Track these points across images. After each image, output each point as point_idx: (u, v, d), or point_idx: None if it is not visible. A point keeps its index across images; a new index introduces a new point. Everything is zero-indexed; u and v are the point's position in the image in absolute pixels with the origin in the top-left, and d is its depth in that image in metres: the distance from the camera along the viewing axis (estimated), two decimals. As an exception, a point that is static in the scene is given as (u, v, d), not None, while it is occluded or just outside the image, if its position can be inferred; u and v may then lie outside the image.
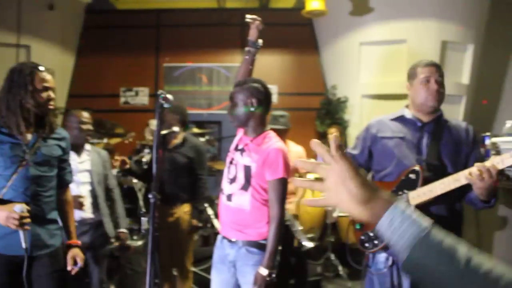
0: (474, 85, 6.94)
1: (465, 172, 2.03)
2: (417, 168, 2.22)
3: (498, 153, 3.01)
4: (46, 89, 2.30)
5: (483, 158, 2.38)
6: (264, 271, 2.27)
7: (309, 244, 3.86)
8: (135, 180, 5.26)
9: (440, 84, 2.33)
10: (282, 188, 2.35)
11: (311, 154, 6.19)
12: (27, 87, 2.22)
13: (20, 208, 2.10)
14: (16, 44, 6.69)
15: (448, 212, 2.23)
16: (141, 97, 7.83)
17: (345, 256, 4.91)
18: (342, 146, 0.93)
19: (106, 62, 7.74)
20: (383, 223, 0.87)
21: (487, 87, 7.34)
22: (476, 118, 6.95)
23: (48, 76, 2.32)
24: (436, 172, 2.21)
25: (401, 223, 0.85)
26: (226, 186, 2.48)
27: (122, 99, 7.85)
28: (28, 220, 2.14)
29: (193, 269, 3.81)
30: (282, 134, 3.82)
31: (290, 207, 3.88)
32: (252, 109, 2.39)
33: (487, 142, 3.14)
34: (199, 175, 3.70)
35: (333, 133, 6.01)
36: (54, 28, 7.15)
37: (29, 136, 2.30)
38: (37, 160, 2.29)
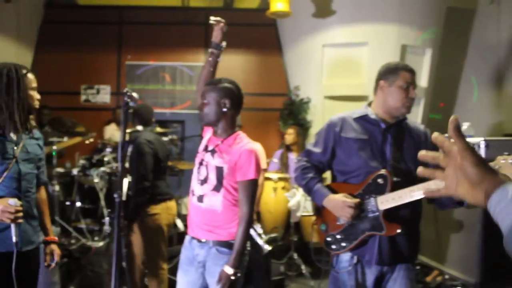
0: (431, 88, 7.18)
1: (436, 181, 2.07)
2: (384, 173, 2.23)
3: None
4: (35, 89, 2.40)
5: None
6: (229, 270, 2.27)
7: (266, 247, 3.87)
8: (96, 180, 5.16)
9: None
10: (253, 189, 2.36)
11: (269, 153, 6.24)
12: (21, 87, 2.30)
13: (14, 202, 2.15)
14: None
15: (411, 214, 2.29)
16: (102, 95, 7.68)
17: (308, 255, 4.99)
18: (459, 127, 0.96)
19: (66, 58, 7.55)
20: (492, 202, 0.90)
21: (444, 90, 7.60)
22: (433, 120, 7.20)
23: (33, 77, 2.41)
24: (402, 177, 2.25)
25: (507, 204, 0.88)
26: (196, 187, 2.45)
27: (83, 97, 7.68)
28: (21, 214, 2.20)
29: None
30: None
31: None
32: (224, 109, 2.39)
33: (446, 144, 3.25)
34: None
35: (291, 134, 6.03)
36: (10, 22, 6.90)
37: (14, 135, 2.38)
38: (25, 157, 2.37)
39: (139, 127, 3.82)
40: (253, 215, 3.77)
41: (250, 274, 3.65)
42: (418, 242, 2.39)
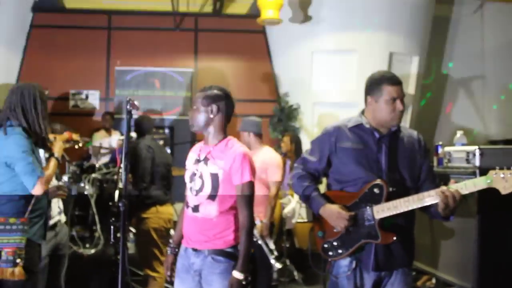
0: (418, 95, 7.30)
1: (431, 192, 2.16)
2: (380, 182, 2.28)
3: (449, 161, 3.19)
4: None
5: (432, 169, 2.51)
6: (239, 275, 2.28)
7: (277, 265, 3.88)
8: (87, 187, 5.14)
9: (403, 103, 2.37)
10: (250, 192, 2.38)
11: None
12: None
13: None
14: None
15: (406, 222, 2.36)
16: (91, 100, 7.62)
17: (301, 262, 5.04)
18: None
19: (54, 63, 7.46)
20: None
21: (429, 97, 7.75)
22: (420, 127, 7.32)
23: None
24: (397, 187, 2.31)
25: None
26: (191, 199, 2.47)
27: (72, 102, 7.60)
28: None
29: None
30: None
31: (257, 226, 3.77)
32: (211, 115, 2.42)
33: (440, 151, 3.31)
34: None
35: (285, 142, 6.07)
36: (-2, 26, 6.84)
37: None
38: None
39: (133, 134, 3.86)
40: (269, 227, 3.81)
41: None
42: (413, 248, 2.45)
